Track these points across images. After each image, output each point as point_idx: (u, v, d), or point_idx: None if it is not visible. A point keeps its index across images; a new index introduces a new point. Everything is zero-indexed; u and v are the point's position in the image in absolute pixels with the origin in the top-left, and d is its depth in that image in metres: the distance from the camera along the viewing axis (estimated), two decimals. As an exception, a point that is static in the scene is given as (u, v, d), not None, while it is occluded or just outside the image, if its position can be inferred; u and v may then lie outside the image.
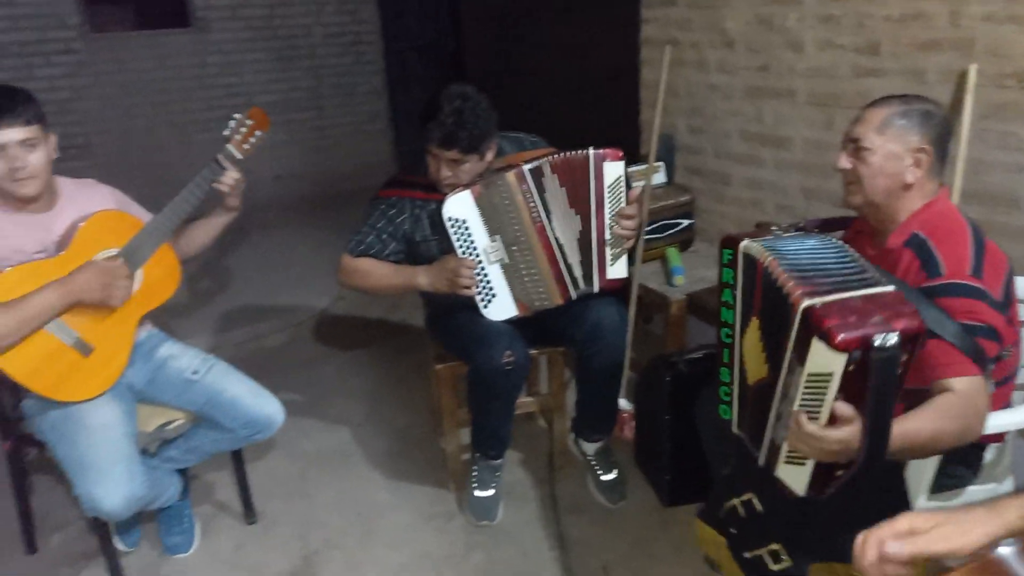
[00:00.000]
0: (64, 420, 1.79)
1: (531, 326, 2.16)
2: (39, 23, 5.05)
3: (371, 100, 6.43)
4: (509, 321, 2.09)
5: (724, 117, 2.99)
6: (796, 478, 1.37)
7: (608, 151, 2.00)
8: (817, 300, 1.23)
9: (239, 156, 1.98)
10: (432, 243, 2.13)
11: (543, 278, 2.07)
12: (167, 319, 2.00)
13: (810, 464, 1.33)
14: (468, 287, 1.99)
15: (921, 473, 1.50)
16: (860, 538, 0.95)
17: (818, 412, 1.26)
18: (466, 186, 1.98)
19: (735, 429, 1.58)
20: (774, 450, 1.41)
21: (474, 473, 2.29)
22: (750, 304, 1.46)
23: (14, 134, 1.71)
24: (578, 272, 2.09)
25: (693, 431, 1.92)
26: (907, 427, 1.28)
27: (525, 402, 2.50)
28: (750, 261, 1.43)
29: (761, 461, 1.46)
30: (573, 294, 2.11)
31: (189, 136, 5.62)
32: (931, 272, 1.42)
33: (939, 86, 2.20)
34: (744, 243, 1.45)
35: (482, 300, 2.05)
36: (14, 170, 1.72)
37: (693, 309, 2.63)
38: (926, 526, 0.92)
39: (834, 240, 1.45)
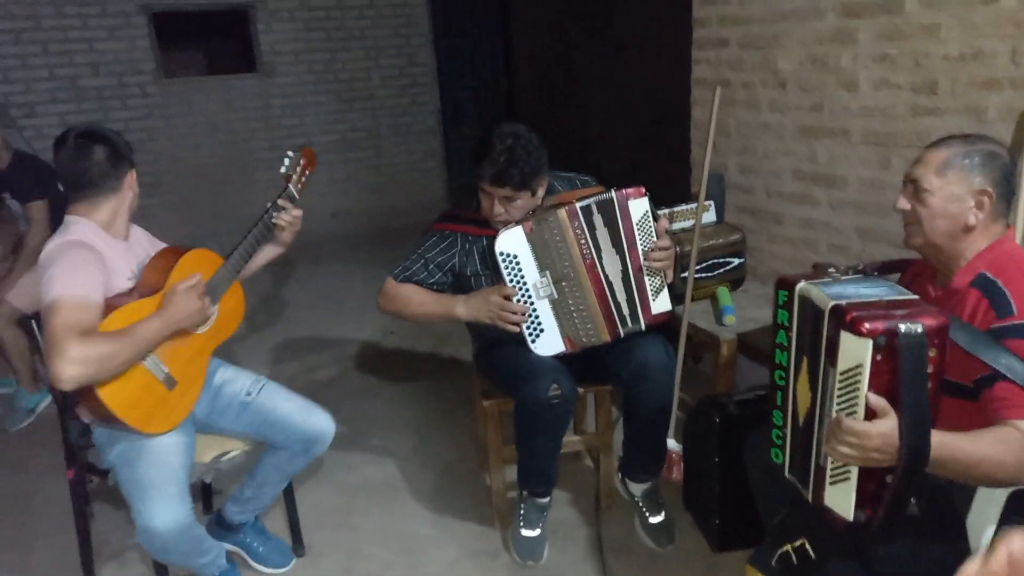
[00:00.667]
0: (129, 448, 1.85)
1: (578, 363, 2.16)
2: (117, 69, 5.36)
3: (426, 139, 6.60)
4: (556, 357, 2.09)
5: (776, 156, 2.97)
6: (843, 499, 1.36)
7: (630, 190, 2.03)
8: (843, 301, 1.31)
9: (296, 195, 2.09)
10: (482, 278, 2.16)
11: (591, 315, 2.08)
12: (228, 349, 2.07)
13: (854, 476, 1.32)
14: (515, 324, 2.01)
15: (983, 523, 1.43)
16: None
17: (854, 410, 1.29)
18: (518, 222, 2.02)
19: (787, 473, 1.54)
20: (820, 475, 1.40)
21: (520, 512, 2.27)
22: (803, 345, 1.44)
23: None
24: (626, 310, 2.10)
25: (743, 474, 1.88)
26: (956, 441, 1.27)
27: (572, 441, 2.48)
28: (807, 303, 1.42)
29: (810, 496, 1.44)
30: (622, 332, 2.11)
31: (252, 175, 5.85)
32: (1001, 311, 1.38)
33: (999, 125, 2.15)
34: (801, 285, 1.44)
35: (530, 335, 2.06)
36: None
37: (744, 349, 2.59)
38: None
39: (891, 283, 1.43)
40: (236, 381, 2.09)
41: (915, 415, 1.24)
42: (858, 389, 1.27)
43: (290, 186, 2.08)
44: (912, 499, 1.33)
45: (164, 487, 1.78)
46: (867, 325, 1.24)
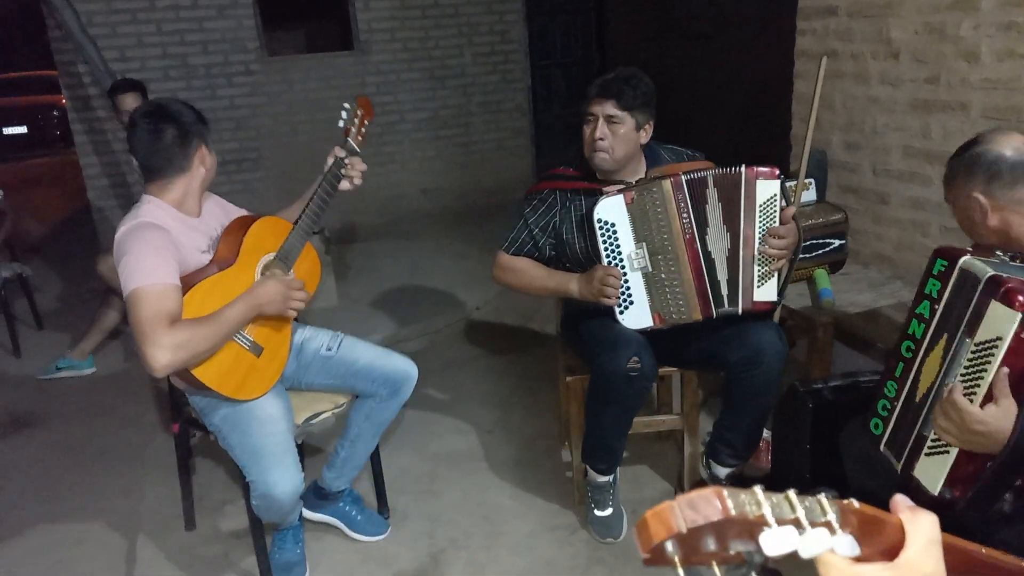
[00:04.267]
0: (235, 412, 1.92)
1: (668, 345, 2.12)
2: (224, 47, 5.59)
3: (515, 117, 6.59)
4: (645, 334, 2.06)
5: (885, 132, 2.81)
6: (935, 472, 1.31)
7: (762, 169, 1.95)
8: (1004, 274, 1.24)
9: (357, 148, 2.06)
10: (576, 244, 2.16)
11: (684, 291, 2.03)
12: (318, 321, 2.15)
13: (954, 453, 1.28)
14: (611, 297, 2.00)
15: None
16: None
17: (976, 387, 1.23)
18: (620, 191, 2.00)
19: (882, 446, 1.48)
20: (919, 444, 1.36)
21: (589, 493, 2.27)
22: (947, 322, 1.37)
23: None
24: (724, 291, 2.04)
25: (836, 463, 1.80)
26: None
27: (657, 420, 2.45)
28: (969, 279, 1.33)
29: (899, 467, 1.40)
30: (715, 312, 2.05)
31: (346, 151, 5.99)
32: None
33: None
34: (966, 259, 1.36)
35: (619, 307, 2.04)
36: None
37: (840, 335, 2.47)
38: None
39: None
40: (315, 338, 2.16)
41: None
42: (988, 364, 1.22)
43: (349, 139, 2.04)
44: (1008, 495, 1.25)
45: (282, 457, 1.85)
46: (1022, 297, 1.19)
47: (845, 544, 0.44)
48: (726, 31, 5.06)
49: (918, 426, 1.37)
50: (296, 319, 2.24)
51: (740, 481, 2.26)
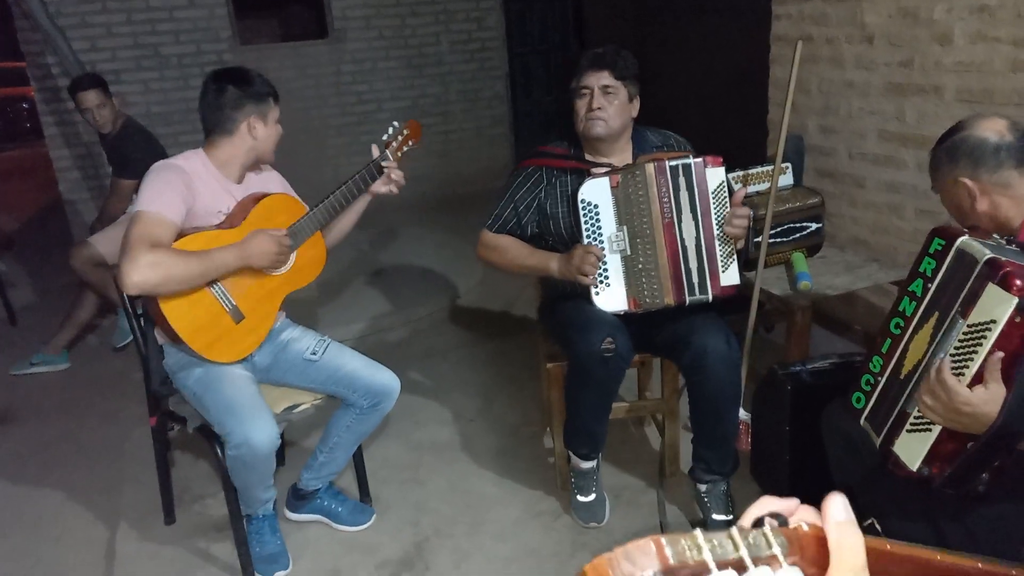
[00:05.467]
0: (206, 374, 1.95)
1: (642, 330, 2.12)
2: (196, 37, 5.50)
3: (494, 105, 6.56)
4: (620, 318, 2.06)
5: (860, 116, 2.83)
6: (914, 449, 1.32)
7: (708, 157, 2.01)
8: (1003, 257, 1.23)
9: (393, 162, 2.16)
10: (560, 219, 2.17)
11: (660, 275, 2.04)
12: (300, 310, 2.13)
13: (936, 431, 1.29)
14: (588, 275, 2.00)
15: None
16: None
17: (964, 368, 1.24)
18: (606, 173, 2.02)
19: (862, 420, 1.49)
20: (900, 420, 1.36)
21: (572, 479, 2.28)
22: (939, 300, 1.38)
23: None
24: (695, 279, 2.05)
25: (815, 443, 1.82)
26: None
27: (638, 405, 2.47)
28: (965, 260, 1.34)
29: (879, 442, 1.41)
30: (687, 299, 2.06)
31: (323, 140, 5.93)
32: None
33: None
34: (963, 239, 1.36)
35: (596, 287, 2.04)
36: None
37: (819, 318, 2.49)
38: None
39: None
40: (301, 340, 2.15)
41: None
42: (979, 346, 1.22)
43: (387, 152, 2.16)
44: (985, 475, 1.27)
45: (256, 409, 1.88)
46: (1019, 282, 1.18)
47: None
48: (703, 16, 5.07)
49: (901, 402, 1.39)
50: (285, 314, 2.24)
51: (724, 497, 2.18)
